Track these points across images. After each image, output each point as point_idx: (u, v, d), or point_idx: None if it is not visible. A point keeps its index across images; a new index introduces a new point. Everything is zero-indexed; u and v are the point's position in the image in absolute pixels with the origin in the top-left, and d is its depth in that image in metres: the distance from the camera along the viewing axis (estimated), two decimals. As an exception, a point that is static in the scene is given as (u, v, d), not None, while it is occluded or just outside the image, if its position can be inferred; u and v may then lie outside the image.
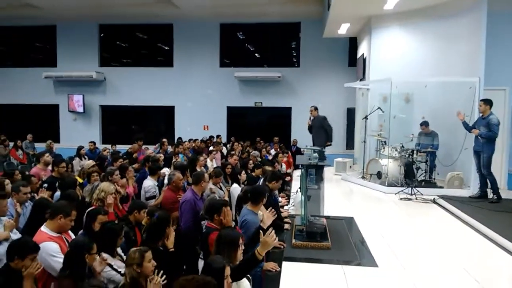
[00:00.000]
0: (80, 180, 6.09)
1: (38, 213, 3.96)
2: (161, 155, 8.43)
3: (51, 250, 3.19)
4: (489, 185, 7.08)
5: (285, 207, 6.36)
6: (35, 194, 5.23)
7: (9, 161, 10.74)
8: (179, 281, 2.21)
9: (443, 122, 8.63)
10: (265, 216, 4.11)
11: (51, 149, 10.60)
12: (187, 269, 4.41)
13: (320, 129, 9.25)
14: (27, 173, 6.16)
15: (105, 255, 3.24)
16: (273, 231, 3.18)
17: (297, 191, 6.84)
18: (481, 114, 7.16)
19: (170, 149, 10.33)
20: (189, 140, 11.92)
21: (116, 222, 3.99)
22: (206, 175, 5.25)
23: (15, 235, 3.75)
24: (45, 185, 5.65)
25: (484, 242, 5.21)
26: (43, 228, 3.43)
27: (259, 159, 8.69)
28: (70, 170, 6.96)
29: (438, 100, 8.80)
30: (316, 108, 9.48)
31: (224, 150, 11.26)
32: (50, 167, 6.80)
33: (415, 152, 8.16)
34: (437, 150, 8.52)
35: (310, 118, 9.50)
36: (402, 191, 7.64)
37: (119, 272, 3.21)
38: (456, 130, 8.32)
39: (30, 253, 2.91)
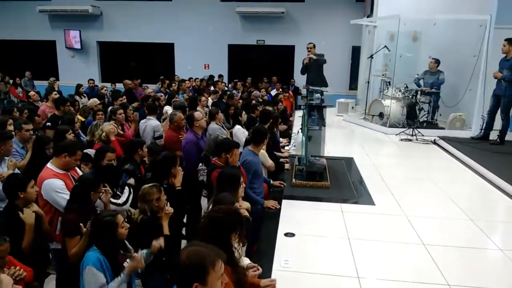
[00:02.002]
0: (81, 119, 6.07)
1: (39, 150, 4.01)
2: (162, 94, 8.34)
3: (56, 187, 3.25)
4: (499, 128, 6.88)
5: (286, 148, 6.40)
6: (39, 132, 5.24)
7: (9, 99, 10.67)
8: (207, 214, 2.37)
9: (450, 62, 8.42)
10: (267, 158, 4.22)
11: (53, 87, 10.47)
12: (190, 207, 4.55)
13: (319, 70, 8.29)
14: (26, 111, 6.09)
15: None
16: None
17: (298, 131, 6.85)
18: (504, 55, 6.74)
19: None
20: (189, 79, 11.74)
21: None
22: (198, 114, 5.13)
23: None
24: (48, 124, 5.66)
25: (481, 182, 5.31)
26: (49, 164, 3.46)
27: (260, 99, 8.60)
28: (77, 108, 6.88)
29: (446, 39, 8.51)
30: (314, 46, 8.35)
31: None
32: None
33: (419, 92, 8.05)
34: (442, 86, 8.33)
35: (308, 57, 8.29)
36: (403, 132, 7.65)
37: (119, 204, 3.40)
38: (462, 70, 8.15)
39: (27, 183, 2.98)
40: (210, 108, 6.88)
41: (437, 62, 8.40)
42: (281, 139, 6.40)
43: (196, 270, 1.63)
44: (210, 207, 2.89)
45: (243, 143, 5.00)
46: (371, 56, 9.12)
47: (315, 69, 8.25)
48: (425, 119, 8.46)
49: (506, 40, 6.72)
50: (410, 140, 7.43)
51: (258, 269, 2.61)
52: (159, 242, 2.82)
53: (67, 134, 4.56)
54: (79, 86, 9.43)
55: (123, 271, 2.52)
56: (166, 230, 3.04)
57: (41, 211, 3.10)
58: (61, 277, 3.27)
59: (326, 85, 7.99)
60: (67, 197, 3.12)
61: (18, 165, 4.04)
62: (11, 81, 11.50)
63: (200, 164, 4.48)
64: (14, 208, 2.94)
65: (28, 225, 2.91)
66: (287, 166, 5.38)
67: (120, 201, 3.44)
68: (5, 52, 15.07)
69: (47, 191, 3.23)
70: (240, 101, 8.50)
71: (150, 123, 5.87)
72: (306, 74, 8.47)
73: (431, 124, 8.33)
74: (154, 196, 3.03)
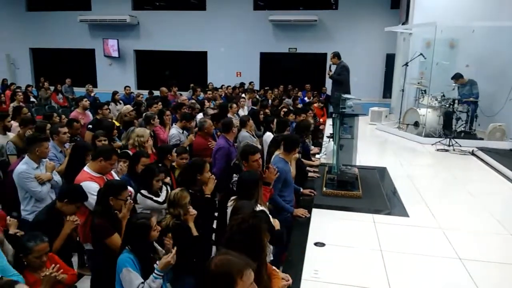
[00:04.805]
0: (117, 124, 6.26)
1: (76, 155, 4.16)
2: (194, 101, 8.47)
3: (90, 189, 3.37)
4: None
5: (317, 156, 6.34)
6: (77, 138, 5.45)
7: (50, 105, 11.16)
8: (236, 227, 2.24)
9: (489, 70, 8.14)
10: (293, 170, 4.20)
11: (89, 93, 10.90)
12: (219, 215, 4.55)
13: (336, 81, 8.09)
14: (64, 117, 6.38)
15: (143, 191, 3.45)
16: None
17: (329, 139, 6.76)
18: None
19: (202, 95, 10.40)
20: (221, 87, 11.89)
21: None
22: (235, 121, 5.24)
23: (55, 176, 3.98)
24: (90, 126, 5.88)
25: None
26: (86, 168, 3.62)
27: (291, 107, 8.57)
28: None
29: (485, 46, 8.22)
30: (336, 55, 8.12)
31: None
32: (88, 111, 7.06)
33: (456, 101, 7.79)
34: (479, 100, 8.07)
35: (330, 67, 8.15)
36: (439, 142, 7.41)
37: (157, 202, 3.44)
38: (501, 79, 7.85)
39: (79, 201, 3.11)
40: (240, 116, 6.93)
41: (458, 76, 8.15)
42: (312, 147, 6.34)
43: (224, 279, 1.61)
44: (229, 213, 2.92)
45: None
46: (406, 64, 8.93)
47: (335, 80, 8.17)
48: (462, 129, 8.16)
49: None
50: (446, 150, 7.18)
51: (288, 280, 2.60)
52: (168, 259, 2.56)
53: (96, 140, 4.71)
54: (115, 93, 9.75)
55: (157, 267, 2.50)
56: (194, 232, 3.10)
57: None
58: (95, 278, 3.36)
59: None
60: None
61: (57, 169, 4.21)
62: (51, 87, 12.03)
63: (234, 175, 4.47)
64: (53, 209, 3.07)
65: (65, 232, 3.02)
66: (311, 174, 5.30)
67: (160, 199, 3.48)
68: (48, 59, 15.84)
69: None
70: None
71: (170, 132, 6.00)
72: None
73: (469, 134, 8.01)
74: (187, 199, 3.09)
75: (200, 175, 3.64)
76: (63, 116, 6.37)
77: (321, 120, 9.52)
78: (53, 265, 2.50)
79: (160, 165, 3.92)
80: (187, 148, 5.35)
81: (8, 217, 3.15)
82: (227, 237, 2.20)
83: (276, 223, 3.24)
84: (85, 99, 7.12)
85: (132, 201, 3.23)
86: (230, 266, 1.63)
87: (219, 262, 1.66)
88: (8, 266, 2.53)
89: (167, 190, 3.59)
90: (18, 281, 2.05)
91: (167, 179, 3.75)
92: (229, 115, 6.83)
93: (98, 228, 2.94)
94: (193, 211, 3.17)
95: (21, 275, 2.45)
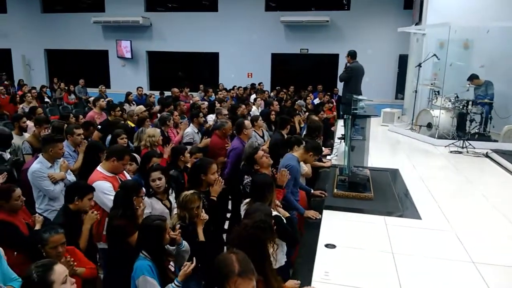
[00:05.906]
0: (131, 125, 6.32)
1: (91, 155, 4.22)
2: (205, 102, 8.51)
3: (104, 188, 3.43)
4: None
5: (328, 157, 6.31)
6: (90, 138, 5.52)
7: (64, 105, 11.32)
8: (238, 233, 2.29)
9: (504, 71, 8.02)
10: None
11: (102, 94, 11.01)
12: (232, 216, 4.56)
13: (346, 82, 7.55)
14: (82, 117, 6.46)
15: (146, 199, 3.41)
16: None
17: (340, 141, 6.74)
18: None
19: (213, 96, 10.45)
20: (233, 88, 11.93)
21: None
22: (247, 122, 5.25)
23: (69, 176, 4.04)
24: (99, 126, 5.96)
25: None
26: (99, 167, 3.67)
27: (304, 108, 8.55)
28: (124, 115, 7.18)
29: (500, 47, 8.11)
30: (349, 54, 7.49)
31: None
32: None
33: (470, 103, 7.68)
34: (493, 101, 7.95)
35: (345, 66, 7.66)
36: (452, 143, 7.31)
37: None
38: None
39: (87, 193, 3.14)
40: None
41: (474, 77, 8.04)
42: (323, 148, 6.31)
43: (216, 275, 1.70)
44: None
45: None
46: (419, 65, 8.84)
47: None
48: (476, 130, 8.05)
49: None
50: (460, 152, 7.08)
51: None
52: (189, 269, 2.58)
53: (118, 138, 4.77)
54: (128, 93, 9.84)
55: (177, 277, 2.51)
56: (201, 237, 3.02)
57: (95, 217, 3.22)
58: (107, 276, 3.40)
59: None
60: (114, 198, 3.24)
61: (72, 168, 4.28)
62: (66, 88, 12.21)
63: (246, 176, 4.32)
64: (68, 211, 3.12)
65: (86, 228, 3.07)
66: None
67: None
68: (62, 60, 16.08)
69: (95, 192, 3.38)
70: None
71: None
72: None
73: (483, 136, 7.89)
74: (195, 204, 3.01)
75: (205, 176, 3.50)
76: (81, 117, 6.45)
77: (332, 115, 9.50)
78: (69, 256, 2.56)
79: (156, 164, 3.84)
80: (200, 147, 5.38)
81: (37, 215, 3.25)
82: (232, 238, 2.28)
83: (282, 212, 3.24)
84: (102, 99, 7.22)
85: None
86: (222, 267, 1.70)
87: (219, 258, 1.75)
88: (8, 269, 2.55)
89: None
90: (57, 261, 2.10)
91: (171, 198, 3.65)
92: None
93: (120, 228, 2.94)
94: (204, 216, 3.08)
95: (20, 278, 2.44)
